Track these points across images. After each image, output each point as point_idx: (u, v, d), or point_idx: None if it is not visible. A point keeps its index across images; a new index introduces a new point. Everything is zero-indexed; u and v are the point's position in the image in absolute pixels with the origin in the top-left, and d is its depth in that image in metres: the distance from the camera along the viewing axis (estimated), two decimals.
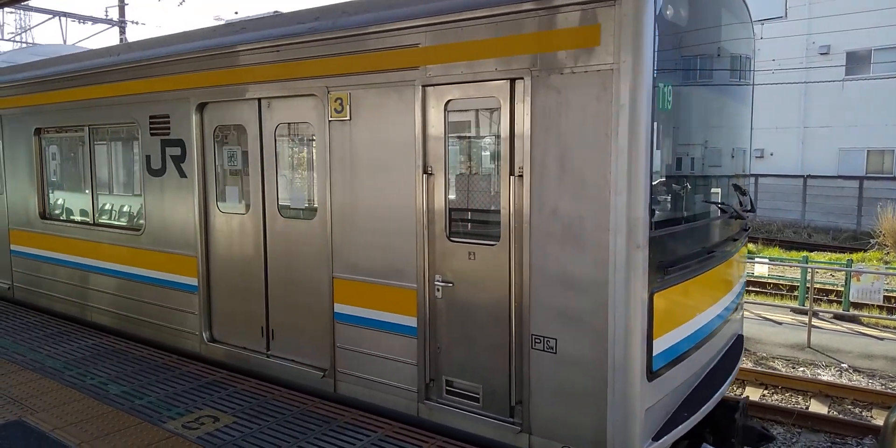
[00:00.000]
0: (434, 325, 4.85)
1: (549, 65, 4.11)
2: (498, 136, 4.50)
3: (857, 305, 12.64)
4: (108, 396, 5.56)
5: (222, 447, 4.60)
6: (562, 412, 4.25)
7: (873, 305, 12.40)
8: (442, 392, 4.88)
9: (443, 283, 4.76)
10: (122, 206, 8.00)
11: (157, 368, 6.27)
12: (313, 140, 5.57)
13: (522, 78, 4.23)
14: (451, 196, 4.82)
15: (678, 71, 4.67)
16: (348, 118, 5.16)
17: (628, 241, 3.91)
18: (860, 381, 9.32)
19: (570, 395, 4.20)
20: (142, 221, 7.01)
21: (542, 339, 4.29)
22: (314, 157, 5.60)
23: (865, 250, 20.57)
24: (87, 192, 7.95)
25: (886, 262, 18.79)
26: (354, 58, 5.06)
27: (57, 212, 8.74)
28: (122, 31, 25.23)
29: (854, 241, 22.57)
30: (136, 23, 35.73)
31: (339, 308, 5.36)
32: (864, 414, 8.33)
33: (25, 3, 22.54)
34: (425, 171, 4.76)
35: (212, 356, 6.42)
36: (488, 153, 4.86)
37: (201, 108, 6.20)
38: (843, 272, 13.29)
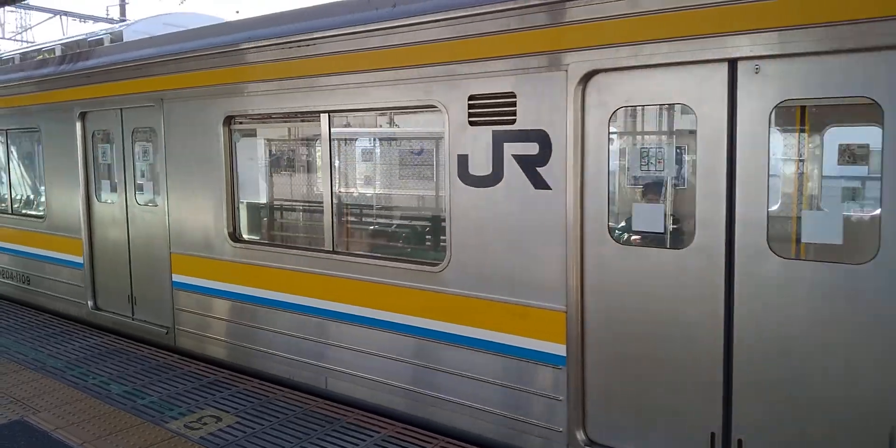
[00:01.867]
0: None
1: None
2: None
3: None
4: (110, 396, 5.55)
5: (225, 447, 4.59)
6: None
7: None
8: None
9: None
10: (387, 228, 5.99)
11: (159, 368, 6.25)
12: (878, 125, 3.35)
13: None
14: None
15: None
16: None
17: None
18: None
19: None
20: (441, 252, 4.88)
21: None
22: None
23: None
24: (320, 204, 5.61)
25: None
26: None
27: (261, 232, 6.61)
28: None
29: None
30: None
31: None
32: None
33: (25, 2, 22.58)
34: None
35: None
36: None
37: (586, 80, 4.01)
38: None
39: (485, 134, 4.46)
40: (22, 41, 28.63)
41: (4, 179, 9.28)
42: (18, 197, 9.33)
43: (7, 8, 27.27)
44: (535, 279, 4.29)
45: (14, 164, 9.25)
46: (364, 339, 5.22)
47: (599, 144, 4.02)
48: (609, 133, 4.00)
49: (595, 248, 4.08)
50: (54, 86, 7.80)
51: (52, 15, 23.42)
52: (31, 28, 31.81)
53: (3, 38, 28.69)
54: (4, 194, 9.37)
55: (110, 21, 25.29)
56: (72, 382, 5.88)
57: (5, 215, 9.13)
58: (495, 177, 4.44)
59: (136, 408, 5.30)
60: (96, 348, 6.89)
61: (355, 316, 5.27)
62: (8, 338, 7.28)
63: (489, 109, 4.42)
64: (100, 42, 10.24)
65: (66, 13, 23.53)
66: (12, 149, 9.24)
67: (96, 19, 24.95)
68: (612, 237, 4.06)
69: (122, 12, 25.84)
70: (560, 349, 4.21)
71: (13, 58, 12.13)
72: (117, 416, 5.14)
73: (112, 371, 6.18)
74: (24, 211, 9.16)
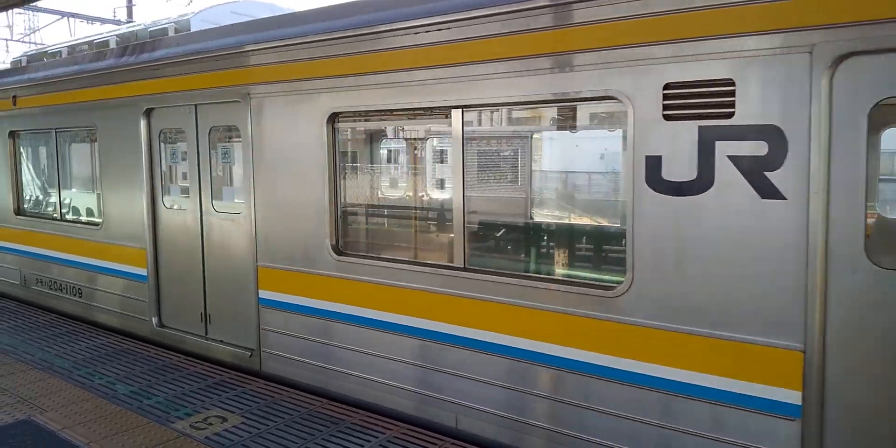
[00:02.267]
0: None
1: None
2: None
3: None
4: (117, 396, 5.58)
5: (230, 447, 4.61)
6: None
7: None
8: None
9: None
10: (535, 242, 5.08)
11: (165, 368, 6.28)
12: None
13: None
14: None
15: None
16: None
17: None
18: None
19: None
20: (612, 273, 4.33)
21: None
22: None
23: None
24: (448, 212, 4.90)
25: None
26: None
27: (370, 244, 5.83)
28: None
29: None
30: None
31: None
32: None
33: (34, 3, 22.76)
34: None
35: None
36: None
37: (837, 64, 3.19)
38: None
39: (687, 130, 3.60)
40: (30, 43, 28.82)
41: (55, 183, 8.59)
42: (68, 202, 8.50)
43: (15, 10, 27.47)
44: (758, 310, 3.47)
45: (64, 166, 8.52)
46: (507, 373, 4.43)
47: (854, 144, 3.17)
48: (868, 130, 3.16)
49: (845, 273, 3.25)
50: (115, 80, 7.06)
51: (59, 16, 23.58)
52: (39, 30, 32.01)
53: (11, 39, 28.89)
54: (53, 200, 8.62)
55: (117, 22, 25.43)
56: (78, 382, 5.91)
57: (55, 222, 8.38)
58: (702, 183, 3.59)
59: (142, 408, 5.32)
60: (103, 348, 6.92)
61: (493, 344, 4.49)
62: (15, 338, 7.32)
63: (694, 100, 3.59)
64: (164, 32, 9.51)
65: (73, 15, 23.68)
66: (62, 149, 8.46)
67: (103, 21, 25.10)
68: (870, 260, 3.20)
69: (129, 14, 25.98)
70: (794, 397, 3.41)
71: (59, 51, 11.88)
72: (123, 415, 5.16)
73: (118, 371, 6.21)
74: (76, 217, 8.47)
